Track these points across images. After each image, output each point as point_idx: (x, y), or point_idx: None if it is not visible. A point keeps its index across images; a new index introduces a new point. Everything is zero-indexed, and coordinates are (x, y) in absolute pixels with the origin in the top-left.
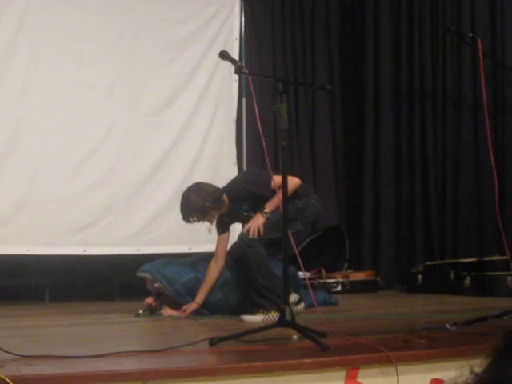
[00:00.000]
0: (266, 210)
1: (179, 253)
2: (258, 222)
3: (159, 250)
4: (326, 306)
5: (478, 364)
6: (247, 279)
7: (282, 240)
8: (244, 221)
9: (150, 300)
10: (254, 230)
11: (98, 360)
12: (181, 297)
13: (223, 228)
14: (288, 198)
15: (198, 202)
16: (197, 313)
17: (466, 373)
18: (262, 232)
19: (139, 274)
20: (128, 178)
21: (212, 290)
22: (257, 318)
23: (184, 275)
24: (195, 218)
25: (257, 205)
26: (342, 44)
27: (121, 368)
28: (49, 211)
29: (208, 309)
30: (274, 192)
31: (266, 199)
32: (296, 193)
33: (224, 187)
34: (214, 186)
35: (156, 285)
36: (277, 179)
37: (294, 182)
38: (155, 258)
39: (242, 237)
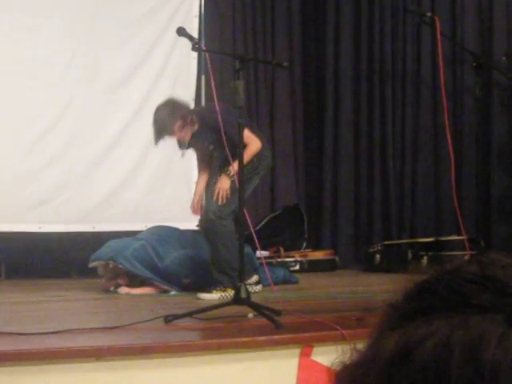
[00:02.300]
0: (231, 173)
1: (135, 230)
2: (224, 185)
3: (115, 227)
4: (285, 284)
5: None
6: (211, 252)
7: (238, 217)
8: (202, 152)
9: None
10: (221, 195)
11: (51, 337)
12: (132, 266)
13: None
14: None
15: (167, 116)
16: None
17: (349, 352)
18: (228, 196)
19: (91, 265)
20: (84, 155)
21: (167, 250)
22: (213, 296)
23: (131, 245)
24: (165, 134)
25: (220, 144)
26: (302, 22)
27: (74, 345)
28: (4, 188)
29: (160, 273)
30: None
31: (231, 144)
32: None
33: (196, 109)
34: (185, 104)
35: (110, 265)
36: (249, 135)
37: (256, 147)
38: (111, 236)
39: (212, 208)
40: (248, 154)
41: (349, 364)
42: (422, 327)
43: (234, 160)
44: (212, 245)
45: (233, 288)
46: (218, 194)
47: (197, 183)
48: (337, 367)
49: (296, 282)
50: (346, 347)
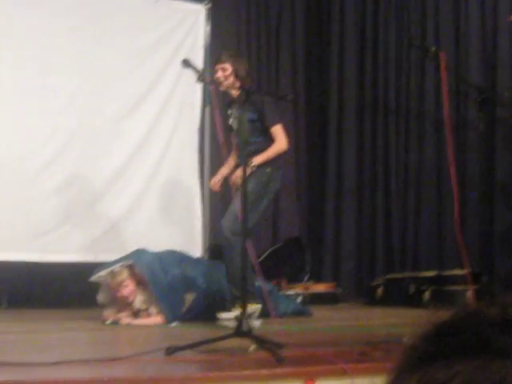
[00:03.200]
0: (253, 164)
1: None
2: (239, 174)
3: (117, 257)
4: (298, 316)
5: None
6: (229, 270)
7: (242, 248)
8: (228, 129)
9: (108, 314)
10: (236, 183)
11: (52, 368)
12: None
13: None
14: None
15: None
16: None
17: None
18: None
19: (93, 278)
20: (88, 185)
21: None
22: (234, 314)
23: (176, 269)
24: (228, 63)
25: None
26: (307, 56)
27: (73, 376)
28: (7, 217)
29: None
30: (267, 137)
31: (258, 127)
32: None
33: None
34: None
35: (116, 270)
36: (281, 130)
37: (282, 146)
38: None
39: (229, 226)
40: (272, 152)
41: None
42: (442, 371)
43: (258, 154)
44: (229, 262)
45: (255, 302)
46: (233, 178)
47: (223, 166)
48: None
49: (309, 314)
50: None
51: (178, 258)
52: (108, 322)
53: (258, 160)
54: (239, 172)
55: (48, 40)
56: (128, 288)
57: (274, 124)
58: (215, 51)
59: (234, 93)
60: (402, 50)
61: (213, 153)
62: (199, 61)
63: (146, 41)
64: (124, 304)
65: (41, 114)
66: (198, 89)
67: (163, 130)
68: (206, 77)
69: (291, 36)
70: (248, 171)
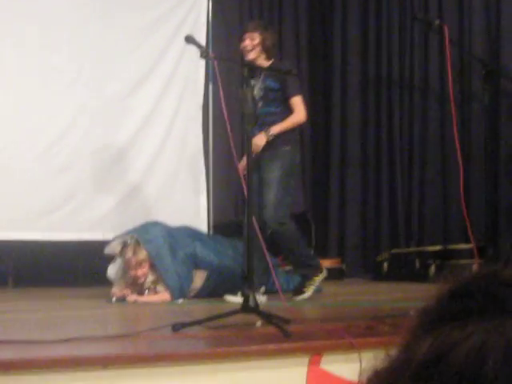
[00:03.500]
0: (270, 132)
1: None
2: (258, 142)
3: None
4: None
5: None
6: (288, 256)
7: (246, 225)
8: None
9: (120, 292)
10: (254, 150)
11: (59, 345)
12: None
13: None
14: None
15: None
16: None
17: (382, 357)
18: (257, 151)
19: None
20: (94, 162)
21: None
22: (307, 295)
23: (186, 245)
24: (257, 33)
25: (268, 96)
26: (309, 31)
27: (81, 353)
28: (13, 196)
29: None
30: (286, 107)
31: (279, 97)
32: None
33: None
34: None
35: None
36: (301, 101)
37: (300, 117)
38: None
39: (270, 217)
40: (290, 122)
41: (381, 369)
42: (457, 331)
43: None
44: (285, 249)
45: (321, 271)
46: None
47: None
48: (368, 373)
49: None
50: (379, 354)
51: (191, 235)
52: (113, 300)
53: (275, 129)
54: (257, 139)
55: (51, 18)
56: (143, 269)
57: (294, 94)
58: (217, 28)
59: (260, 63)
60: (405, 24)
61: (216, 130)
62: (202, 37)
63: (148, 18)
64: (133, 283)
65: (45, 93)
66: (202, 65)
67: (167, 107)
68: (210, 53)
69: (294, 11)
70: (263, 140)
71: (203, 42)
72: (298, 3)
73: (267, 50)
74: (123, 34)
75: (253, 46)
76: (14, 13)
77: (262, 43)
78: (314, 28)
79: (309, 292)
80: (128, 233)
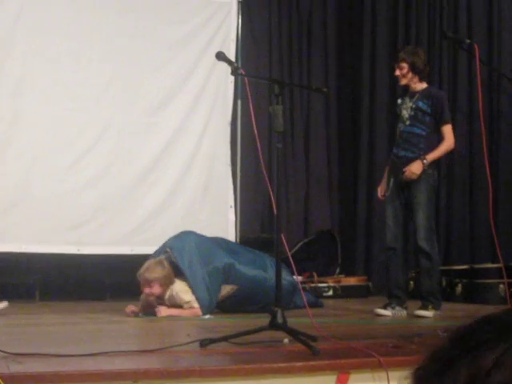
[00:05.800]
0: (426, 161)
1: None
2: (415, 170)
3: (153, 250)
4: (315, 308)
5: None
6: (424, 280)
7: (275, 241)
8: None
9: (131, 308)
10: (409, 177)
11: (89, 359)
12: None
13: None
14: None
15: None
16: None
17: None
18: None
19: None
20: (122, 177)
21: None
22: (428, 313)
23: (219, 258)
24: (408, 60)
25: (418, 117)
26: (338, 47)
27: (111, 367)
28: (43, 209)
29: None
30: (431, 132)
31: (426, 120)
32: None
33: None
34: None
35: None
36: (451, 129)
37: (450, 145)
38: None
39: (421, 238)
40: (444, 150)
41: None
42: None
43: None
44: (426, 272)
45: (438, 309)
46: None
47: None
48: None
49: (321, 306)
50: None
51: (229, 249)
52: (141, 314)
53: (431, 157)
54: (415, 168)
55: (82, 33)
56: (151, 289)
57: (448, 122)
58: (246, 44)
59: (413, 86)
60: (433, 42)
61: (245, 146)
62: (231, 54)
63: (178, 33)
64: (146, 301)
65: (75, 107)
66: (231, 81)
67: (196, 123)
68: (241, 69)
69: (323, 27)
70: (420, 168)
71: (232, 58)
72: (327, 19)
73: (418, 73)
74: (152, 50)
75: (403, 74)
76: (49, 30)
77: (412, 69)
78: (342, 43)
79: (430, 313)
80: (164, 246)
